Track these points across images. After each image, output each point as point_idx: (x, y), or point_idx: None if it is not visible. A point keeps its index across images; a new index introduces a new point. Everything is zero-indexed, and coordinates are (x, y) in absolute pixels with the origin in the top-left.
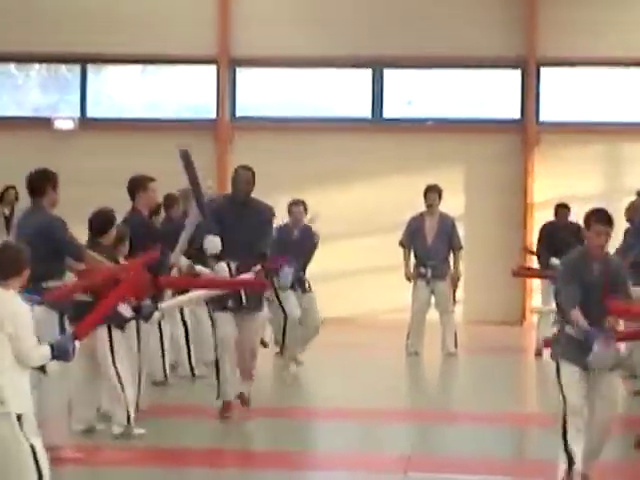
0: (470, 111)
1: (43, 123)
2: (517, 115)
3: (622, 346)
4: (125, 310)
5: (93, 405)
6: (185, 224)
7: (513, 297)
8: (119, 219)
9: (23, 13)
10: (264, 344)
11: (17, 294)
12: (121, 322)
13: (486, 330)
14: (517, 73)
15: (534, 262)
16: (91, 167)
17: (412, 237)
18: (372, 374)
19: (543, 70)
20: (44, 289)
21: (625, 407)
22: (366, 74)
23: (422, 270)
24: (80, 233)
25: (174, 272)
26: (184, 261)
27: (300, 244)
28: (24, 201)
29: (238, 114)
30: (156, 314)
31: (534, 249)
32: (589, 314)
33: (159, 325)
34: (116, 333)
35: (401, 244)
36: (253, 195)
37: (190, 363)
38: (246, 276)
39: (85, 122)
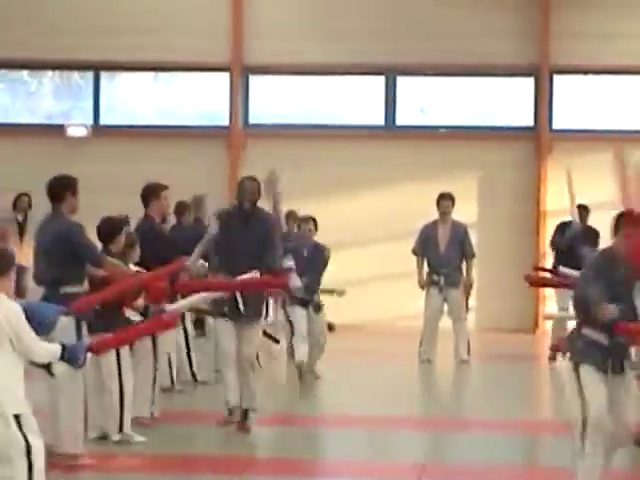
0: (483, 119)
1: (56, 130)
2: (530, 123)
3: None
4: (132, 315)
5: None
6: (205, 232)
7: (526, 305)
8: (133, 225)
9: (36, 20)
10: (275, 340)
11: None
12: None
13: (499, 338)
14: (530, 81)
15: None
16: (104, 174)
17: (425, 245)
18: (384, 381)
19: (556, 78)
20: (62, 295)
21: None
22: (379, 81)
23: (435, 278)
24: (93, 239)
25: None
26: (198, 263)
27: (310, 262)
28: (37, 208)
29: (251, 121)
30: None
31: (544, 266)
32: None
33: None
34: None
35: (414, 252)
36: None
37: (191, 368)
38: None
39: (98, 129)
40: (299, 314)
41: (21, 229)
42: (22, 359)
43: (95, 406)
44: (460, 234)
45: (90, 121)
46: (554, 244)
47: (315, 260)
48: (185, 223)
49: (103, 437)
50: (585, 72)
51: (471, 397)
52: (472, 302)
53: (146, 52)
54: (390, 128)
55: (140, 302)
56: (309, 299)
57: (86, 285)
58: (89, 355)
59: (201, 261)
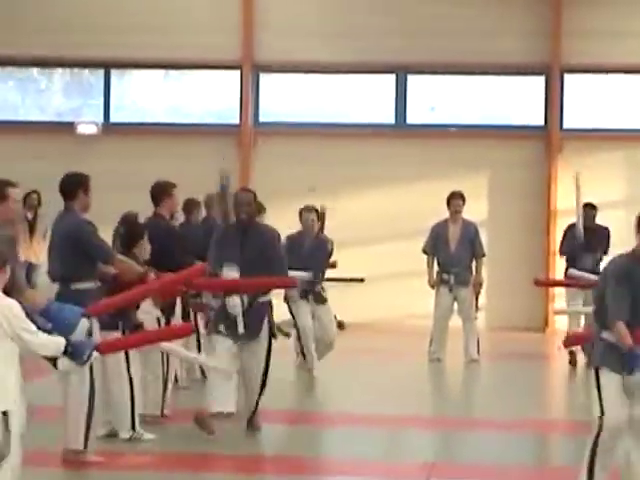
0: (493, 118)
1: (66, 128)
2: (541, 122)
3: None
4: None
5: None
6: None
7: (536, 303)
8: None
9: (47, 18)
10: (287, 334)
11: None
12: (132, 327)
13: (509, 336)
14: (541, 80)
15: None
16: (114, 171)
17: (435, 244)
18: (394, 380)
19: (567, 77)
20: (73, 291)
21: None
22: (389, 80)
23: (445, 277)
24: (103, 237)
25: None
26: None
27: (311, 254)
28: (47, 205)
29: (261, 119)
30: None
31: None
32: (637, 323)
33: None
34: None
35: (424, 251)
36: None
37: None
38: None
39: (108, 127)
40: (303, 309)
41: (31, 227)
42: (17, 355)
43: (104, 403)
44: (471, 233)
45: (100, 119)
46: (563, 252)
47: (317, 254)
48: (194, 221)
49: (112, 435)
50: (596, 71)
51: (481, 396)
52: (482, 301)
53: (156, 50)
54: (400, 126)
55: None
56: (309, 289)
57: (97, 282)
58: (95, 354)
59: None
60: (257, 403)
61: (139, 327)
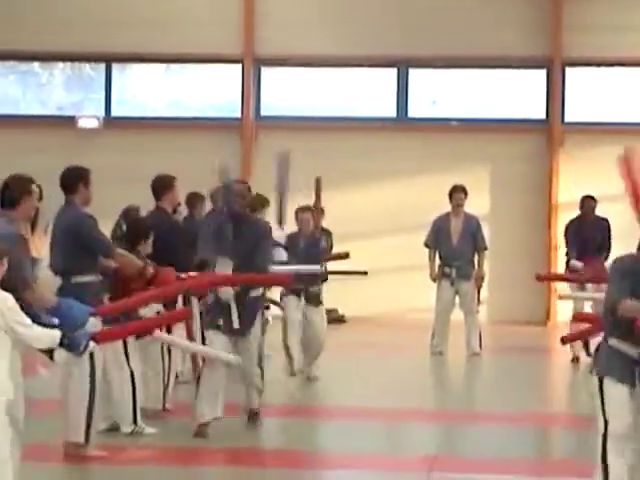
0: (495, 111)
1: (67, 122)
2: (542, 115)
3: None
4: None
5: (117, 404)
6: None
7: (538, 297)
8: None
9: (48, 12)
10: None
11: None
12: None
13: (510, 330)
14: (542, 73)
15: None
16: (115, 166)
17: (437, 237)
18: (395, 374)
19: (568, 70)
20: (74, 284)
21: None
22: (391, 74)
23: (447, 270)
24: (103, 231)
25: None
26: None
27: (307, 254)
28: (48, 200)
29: (263, 113)
30: None
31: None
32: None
33: None
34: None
35: (426, 244)
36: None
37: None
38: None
39: (109, 121)
40: (292, 303)
41: (32, 221)
42: (9, 347)
43: (105, 397)
44: (472, 227)
45: (101, 113)
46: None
47: (313, 252)
48: (198, 215)
49: (114, 429)
50: (597, 64)
51: (482, 390)
52: (484, 294)
53: (158, 44)
54: (402, 120)
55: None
56: (303, 288)
57: (99, 275)
58: (92, 344)
59: None
60: (258, 396)
61: None
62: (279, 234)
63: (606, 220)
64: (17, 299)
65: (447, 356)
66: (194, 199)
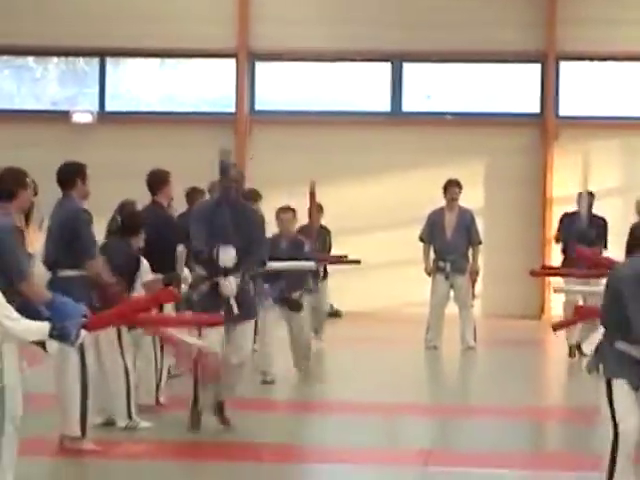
0: (489, 105)
1: (61, 117)
2: (536, 109)
3: None
4: None
5: (112, 398)
6: None
7: (532, 291)
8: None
9: (42, 7)
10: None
11: None
12: None
13: (505, 324)
14: (537, 67)
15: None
16: (110, 160)
17: (432, 231)
18: (390, 368)
19: (563, 64)
20: (61, 278)
21: None
22: (385, 68)
23: (441, 264)
24: (99, 226)
25: None
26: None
27: (289, 256)
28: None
29: (257, 108)
30: None
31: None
32: None
33: None
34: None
35: (421, 239)
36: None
37: None
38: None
39: (104, 115)
40: (271, 316)
41: (26, 215)
42: None
43: (99, 391)
44: (467, 220)
45: (96, 107)
46: (559, 239)
47: (295, 254)
48: None
49: (109, 423)
50: (591, 58)
51: (477, 383)
52: (478, 288)
53: (152, 38)
54: (396, 114)
55: None
56: (285, 297)
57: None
58: (83, 332)
59: (186, 272)
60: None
61: None
62: None
63: (603, 218)
64: (13, 292)
65: (442, 350)
66: (194, 193)
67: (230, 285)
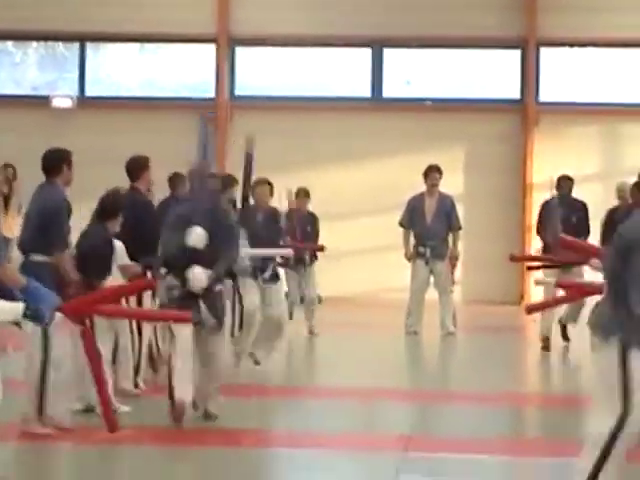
0: (470, 91)
1: (41, 101)
2: (517, 95)
3: None
4: None
5: (92, 385)
6: None
7: (512, 277)
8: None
9: None
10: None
11: None
12: None
13: (485, 310)
14: (517, 53)
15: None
16: (90, 145)
17: (412, 217)
18: (370, 353)
19: (543, 50)
20: (32, 262)
21: None
22: (365, 53)
23: (421, 250)
24: (77, 211)
25: None
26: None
27: (264, 229)
28: (23, 180)
29: (237, 93)
30: None
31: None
32: None
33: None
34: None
35: (401, 224)
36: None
37: None
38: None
39: (83, 100)
40: (249, 284)
41: (5, 201)
42: None
43: (81, 378)
44: (447, 206)
45: (76, 92)
46: (540, 231)
47: (268, 228)
48: (181, 195)
49: (90, 409)
50: (572, 45)
51: (457, 369)
52: (458, 274)
53: (132, 23)
54: (376, 100)
55: None
56: (260, 268)
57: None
58: (57, 314)
59: None
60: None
61: None
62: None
63: (583, 203)
64: None
65: (421, 336)
66: (177, 179)
67: (199, 276)
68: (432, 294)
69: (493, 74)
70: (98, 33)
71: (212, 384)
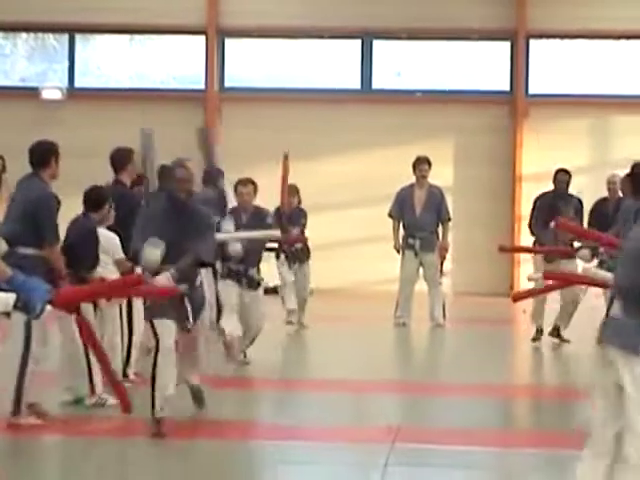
0: (460, 83)
1: (30, 93)
2: (506, 87)
3: None
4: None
5: (82, 376)
6: None
7: (501, 268)
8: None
9: None
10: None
11: None
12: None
13: (474, 301)
14: (506, 45)
15: (522, 235)
16: (78, 137)
17: (401, 208)
18: (360, 345)
19: (532, 42)
20: (18, 255)
21: None
22: (355, 45)
23: (410, 241)
24: (66, 204)
25: None
26: None
27: (250, 229)
28: (11, 171)
29: (227, 85)
30: None
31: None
32: None
33: None
34: (86, 307)
35: (390, 215)
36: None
37: None
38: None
39: (73, 92)
40: (230, 288)
41: None
42: None
43: (71, 370)
44: (436, 198)
45: (65, 84)
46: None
47: (257, 227)
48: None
49: (78, 401)
50: (561, 37)
51: (446, 361)
52: (447, 266)
53: (121, 15)
54: (366, 92)
55: None
56: (243, 272)
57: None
58: (48, 307)
59: None
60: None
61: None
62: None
63: (579, 200)
64: None
65: (411, 327)
66: (164, 171)
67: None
68: (421, 285)
69: (483, 66)
70: (88, 25)
71: (193, 368)
